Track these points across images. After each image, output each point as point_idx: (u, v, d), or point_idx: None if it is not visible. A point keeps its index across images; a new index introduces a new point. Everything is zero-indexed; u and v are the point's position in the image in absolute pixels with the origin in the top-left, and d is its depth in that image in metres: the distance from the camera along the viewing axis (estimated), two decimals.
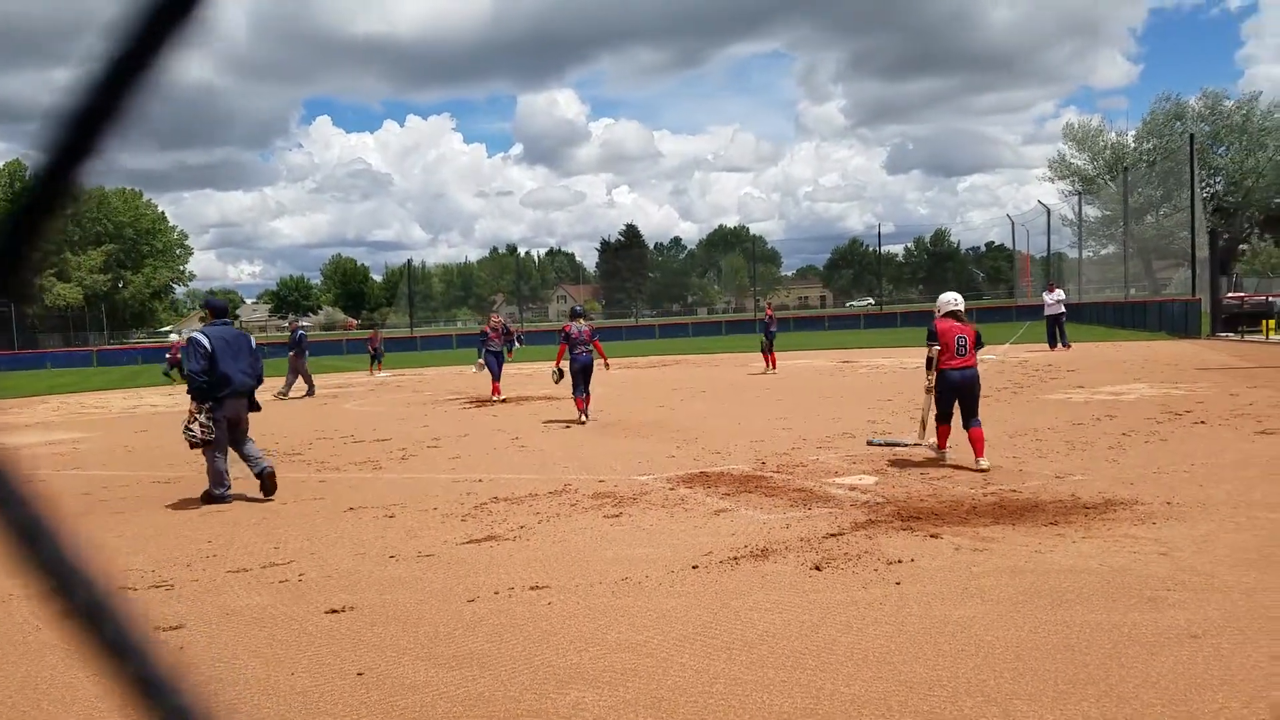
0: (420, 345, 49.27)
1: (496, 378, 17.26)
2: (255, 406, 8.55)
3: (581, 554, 5.87)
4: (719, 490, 7.56)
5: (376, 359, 28.52)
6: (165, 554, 6.43)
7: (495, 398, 16.95)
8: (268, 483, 8.26)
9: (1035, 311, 48.39)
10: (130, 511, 8.18)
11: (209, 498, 8.32)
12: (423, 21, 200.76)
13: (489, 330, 17.80)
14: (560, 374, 13.66)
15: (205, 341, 8.18)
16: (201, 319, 8.75)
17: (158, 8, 0.45)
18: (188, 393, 8.41)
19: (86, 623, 0.51)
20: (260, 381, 8.54)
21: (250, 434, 8.58)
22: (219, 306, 8.85)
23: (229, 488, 8.35)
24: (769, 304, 23.65)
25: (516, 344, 18.43)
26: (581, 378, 13.23)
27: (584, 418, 13.20)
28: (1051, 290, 24.57)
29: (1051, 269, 52.33)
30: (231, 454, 8.39)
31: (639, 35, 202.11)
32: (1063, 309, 24.17)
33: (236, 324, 8.92)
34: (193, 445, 8.26)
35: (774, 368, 21.15)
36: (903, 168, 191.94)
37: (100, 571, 0.53)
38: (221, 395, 8.17)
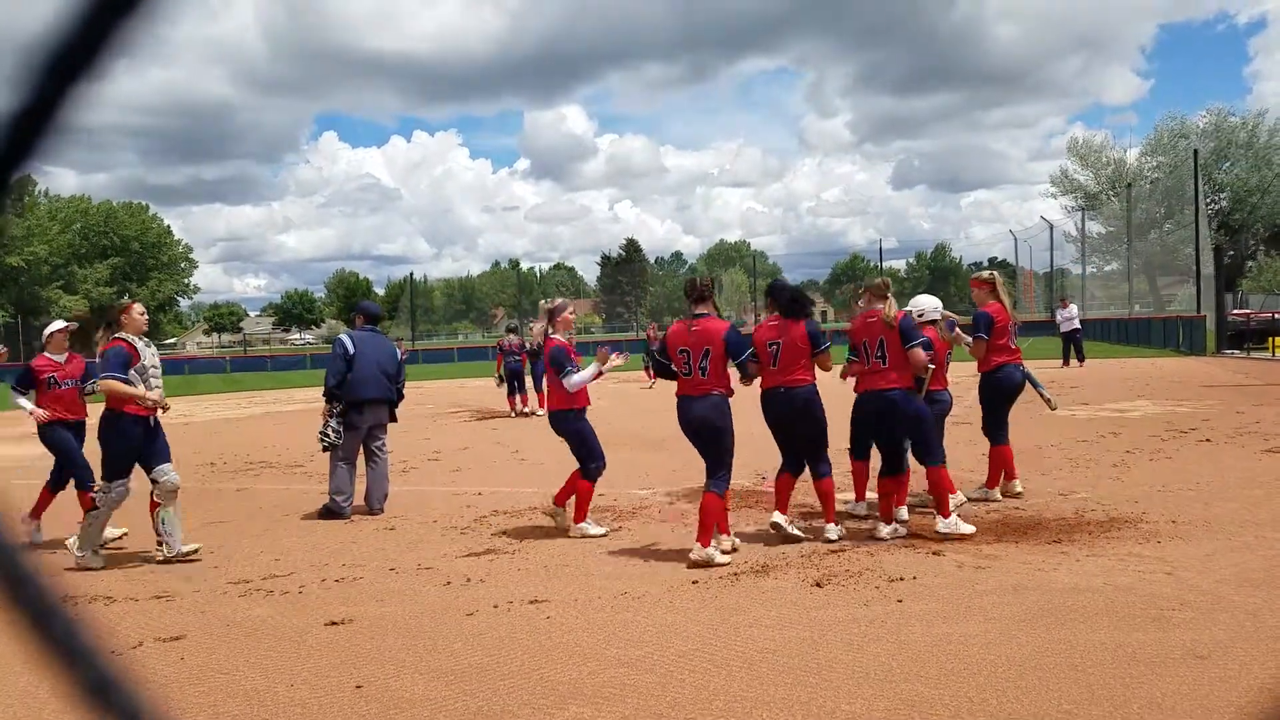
0: (422, 359, 49.30)
1: (510, 392, 17.02)
2: (392, 418, 8.33)
3: (581, 568, 5.85)
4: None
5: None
6: (165, 565, 6.41)
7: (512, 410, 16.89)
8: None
9: (1038, 328, 48.39)
10: (132, 523, 8.15)
11: (327, 512, 7.91)
12: (437, 39, 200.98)
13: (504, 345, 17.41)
14: (501, 379, 17.04)
15: (349, 343, 8.02)
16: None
17: (95, 13, 0.44)
18: (323, 394, 8.18)
19: (36, 626, 0.50)
20: (401, 395, 8.32)
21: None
22: (372, 312, 8.62)
23: (350, 501, 7.93)
24: (652, 325, 28.80)
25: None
26: (512, 382, 16.78)
27: (513, 413, 16.65)
28: (1065, 306, 24.31)
29: (1054, 285, 52.32)
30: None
31: (649, 51, 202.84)
32: (1078, 324, 24.01)
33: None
34: (325, 449, 8.05)
35: (653, 380, 22.47)
36: (908, 183, 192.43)
37: (47, 577, 0.51)
38: (359, 401, 7.91)
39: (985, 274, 7.40)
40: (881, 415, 6.33)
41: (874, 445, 6.78)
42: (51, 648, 0.52)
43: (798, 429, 6.28)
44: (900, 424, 6.30)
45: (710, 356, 5.91)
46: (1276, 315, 29.07)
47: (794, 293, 6.37)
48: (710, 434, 6.00)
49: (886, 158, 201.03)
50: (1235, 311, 31.62)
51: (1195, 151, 34.42)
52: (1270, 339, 24.89)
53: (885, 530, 6.26)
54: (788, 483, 6.37)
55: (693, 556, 5.74)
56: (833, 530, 6.22)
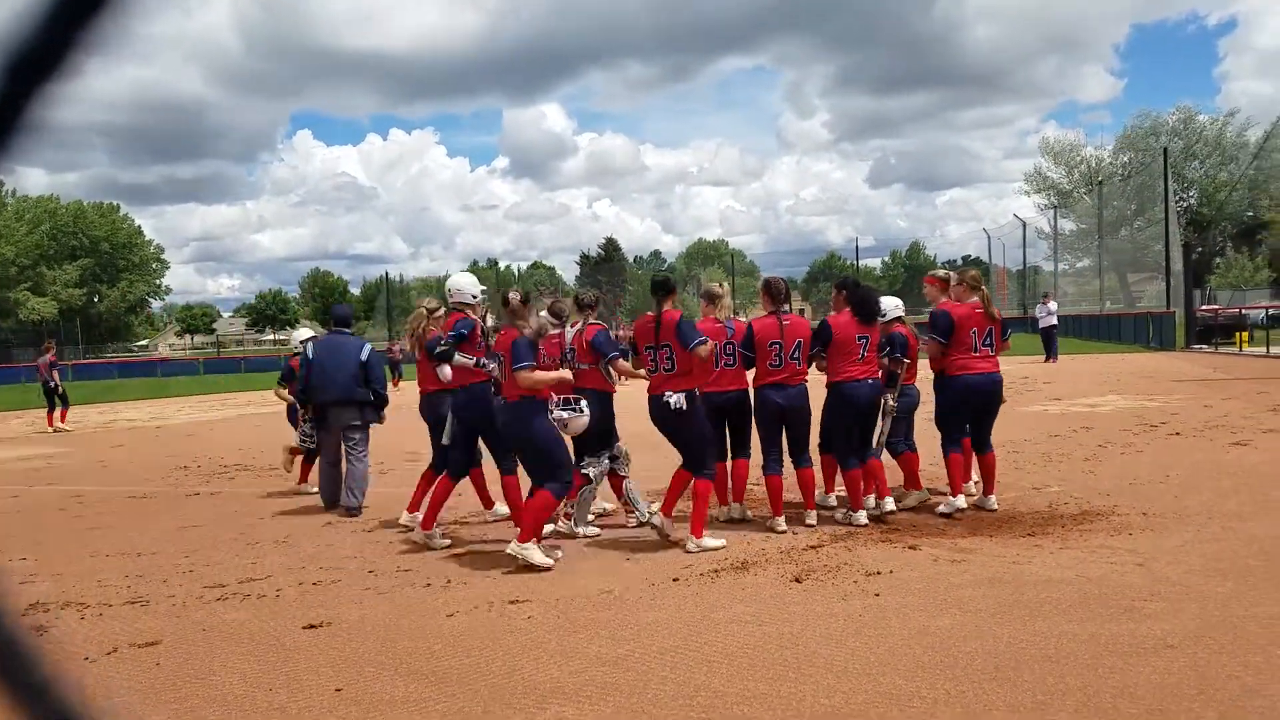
0: (403, 359, 49.02)
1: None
2: (372, 418, 8.39)
3: (562, 568, 5.85)
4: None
5: (396, 371, 28.33)
6: (141, 570, 6.36)
7: None
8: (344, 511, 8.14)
9: (1012, 324, 48.58)
10: (105, 527, 8.09)
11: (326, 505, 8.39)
12: (416, 37, 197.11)
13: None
14: None
15: (309, 349, 8.47)
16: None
17: (62, 9, 0.44)
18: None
19: None
20: (372, 394, 8.33)
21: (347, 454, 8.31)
22: (338, 315, 8.86)
23: (328, 496, 8.34)
24: (621, 325, 26.73)
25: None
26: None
27: None
28: (1046, 301, 25.24)
29: (1027, 282, 52.82)
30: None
31: (630, 50, 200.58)
32: (1054, 320, 24.73)
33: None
34: (307, 451, 8.56)
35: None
36: (884, 182, 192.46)
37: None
38: (322, 403, 8.26)
39: (940, 272, 7.56)
40: (993, 396, 6.96)
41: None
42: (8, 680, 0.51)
43: (869, 419, 6.78)
44: (1000, 403, 7.05)
45: (801, 348, 6.54)
46: (1243, 311, 29.48)
47: (873, 302, 6.77)
48: (805, 417, 6.64)
49: (863, 156, 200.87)
50: (1203, 307, 32.02)
51: (1165, 150, 34.86)
52: (1237, 334, 25.29)
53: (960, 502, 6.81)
54: (858, 476, 6.74)
55: (810, 522, 6.64)
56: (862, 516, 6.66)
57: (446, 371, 6.82)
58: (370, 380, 8.30)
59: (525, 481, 6.55)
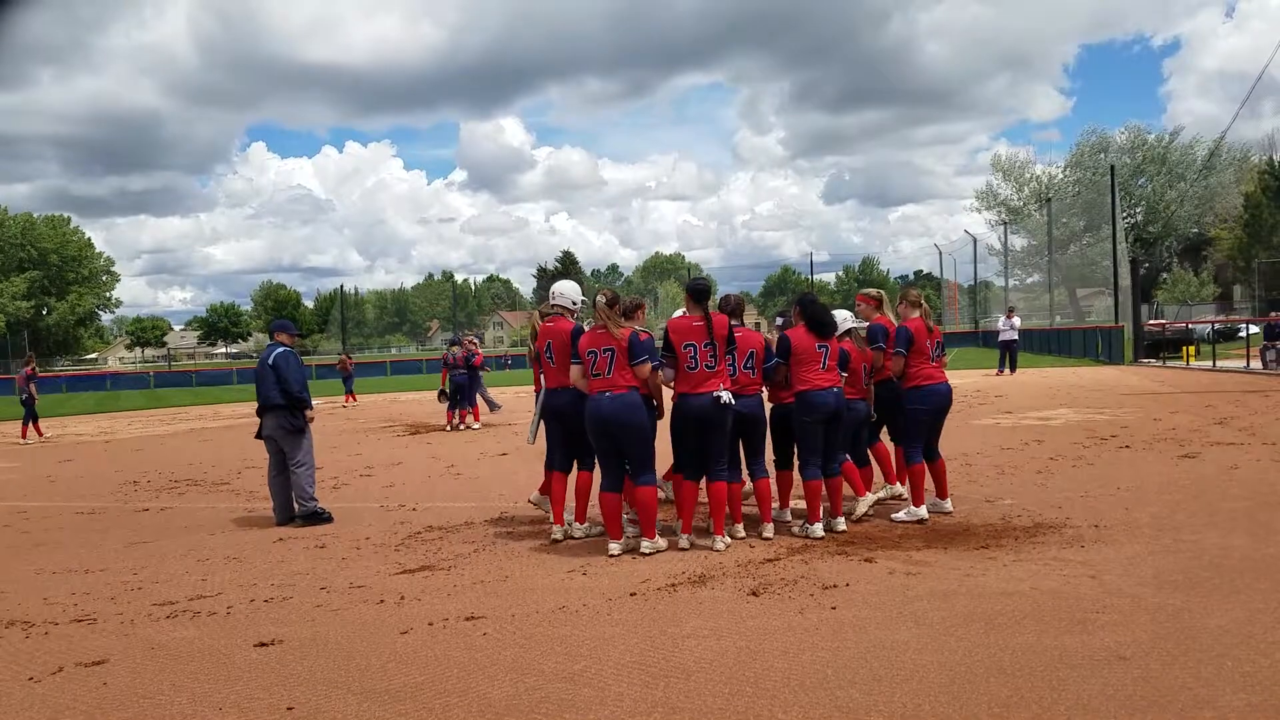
0: (353, 372, 48.45)
1: (451, 406, 17.12)
2: (288, 424, 8.29)
3: (518, 583, 5.80)
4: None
5: (347, 385, 28.16)
6: (88, 587, 6.21)
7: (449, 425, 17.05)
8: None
9: (963, 338, 49.37)
10: (52, 544, 7.90)
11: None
12: (376, 50, 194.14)
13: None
14: (444, 394, 17.33)
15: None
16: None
17: None
18: None
19: None
20: (285, 397, 8.23)
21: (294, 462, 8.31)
22: (272, 328, 8.98)
23: (282, 512, 8.30)
24: (469, 339, 21.19)
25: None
26: (455, 395, 16.93)
27: (448, 427, 16.71)
28: (1009, 317, 25.95)
29: (978, 297, 53.60)
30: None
31: (590, 65, 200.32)
32: (1015, 335, 25.31)
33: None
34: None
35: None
36: (839, 197, 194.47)
37: None
38: (260, 414, 8.41)
39: (872, 291, 7.86)
40: (949, 404, 7.36)
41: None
42: None
43: (839, 425, 6.92)
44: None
45: (754, 360, 6.72)
46: (1190, 325, 30.17)
47: (826, 317, 6.90)
48: (758, 426, 6.84)
49: (818, 172, 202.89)
50: (1151, 322, 32.75)
51: (1112, 167, 35.57)
52: (1184, 348, 25.87)
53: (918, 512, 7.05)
54: (819, 487, 6.83)
55: (766, 536, 6.69)
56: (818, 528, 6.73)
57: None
58: (279, 382, 8.23)
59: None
